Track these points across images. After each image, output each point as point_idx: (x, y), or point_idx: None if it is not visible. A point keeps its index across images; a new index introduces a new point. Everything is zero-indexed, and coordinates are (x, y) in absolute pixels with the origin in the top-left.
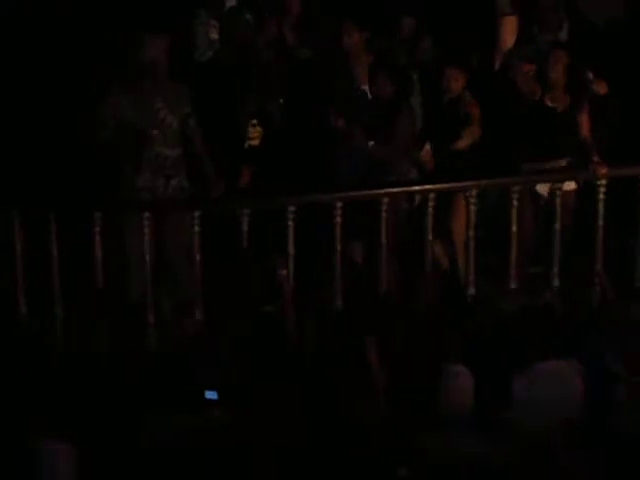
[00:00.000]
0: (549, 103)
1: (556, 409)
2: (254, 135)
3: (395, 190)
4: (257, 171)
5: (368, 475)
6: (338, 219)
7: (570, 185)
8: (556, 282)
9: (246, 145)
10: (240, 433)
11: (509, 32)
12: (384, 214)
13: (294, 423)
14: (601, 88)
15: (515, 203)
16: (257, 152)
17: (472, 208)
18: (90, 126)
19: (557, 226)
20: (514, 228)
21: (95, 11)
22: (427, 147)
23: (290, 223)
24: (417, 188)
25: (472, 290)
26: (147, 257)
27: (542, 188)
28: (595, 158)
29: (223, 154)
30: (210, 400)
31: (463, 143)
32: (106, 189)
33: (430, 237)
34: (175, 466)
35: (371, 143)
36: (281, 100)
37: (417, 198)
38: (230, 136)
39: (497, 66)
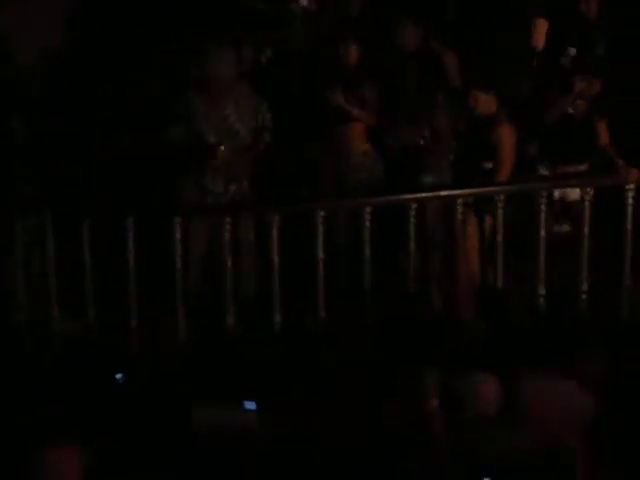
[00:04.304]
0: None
1: None
2: None
3: (424, 195)
4: None
5: None
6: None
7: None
8: (585, 286)
9: None
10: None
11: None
12: (412, 219)
13: None
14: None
15: (543, 208)
16: None
17: (500, 212)
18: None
19: (586, 230)
20: (542, 233)
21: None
22: None
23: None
24: (445, 193)
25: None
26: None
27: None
28: (621, 162)
29: None
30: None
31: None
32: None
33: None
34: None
35: None
36: None
37: None
38: None
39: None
